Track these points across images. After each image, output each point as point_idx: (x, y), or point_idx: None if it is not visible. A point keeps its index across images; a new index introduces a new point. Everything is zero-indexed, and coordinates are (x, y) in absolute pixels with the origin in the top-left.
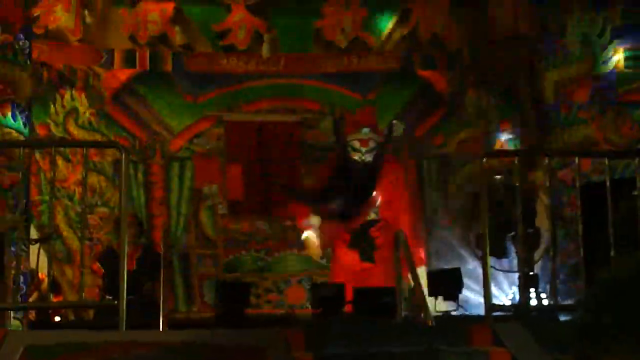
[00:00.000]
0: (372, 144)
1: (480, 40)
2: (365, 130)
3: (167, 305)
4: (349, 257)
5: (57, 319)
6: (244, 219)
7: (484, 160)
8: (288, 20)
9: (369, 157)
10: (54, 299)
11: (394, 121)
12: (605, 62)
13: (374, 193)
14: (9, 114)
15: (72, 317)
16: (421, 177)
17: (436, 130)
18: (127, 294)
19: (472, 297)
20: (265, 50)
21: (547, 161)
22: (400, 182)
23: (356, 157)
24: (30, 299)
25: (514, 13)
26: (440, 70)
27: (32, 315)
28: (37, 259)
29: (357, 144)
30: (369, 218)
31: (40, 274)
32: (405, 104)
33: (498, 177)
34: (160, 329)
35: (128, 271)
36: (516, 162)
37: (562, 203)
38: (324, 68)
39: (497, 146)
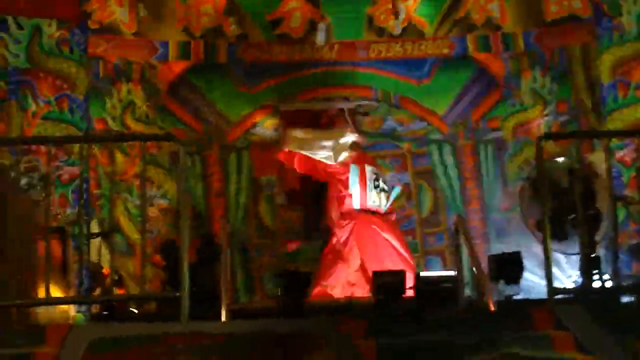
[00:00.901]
0: None
1: (535, 22)
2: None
3: (228, 296)
4: None
5: (135, 310)
6: (302, 208)
7: (542, 142)
8: (341, 7)
9: None
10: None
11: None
12: None
13: None
14: (67, 109)
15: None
16: (478, 160)
17: (492, 114)
18: (188, 286)
19: (533, 280)
20: (319, 38)
21: (605, 142)
22: None
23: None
24: (94, 293)
25: None
26: (495, 53)
27: (95, 308)
28: (99, 253)
29: None
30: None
31: (104, 269)
32: (460, 88)
33: (559, 159)
34: (222, 320)
35: (188, 263)
36: (574, 144)
37: (622, 184)
38: (378, 54)
39: (554, 129)
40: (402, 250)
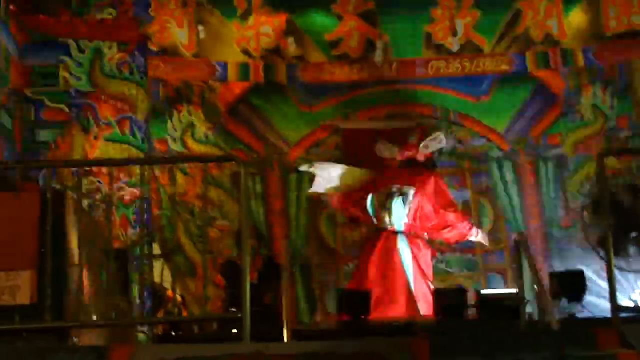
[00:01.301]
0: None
1: (595, 38)
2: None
3: (291, 316)
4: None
5: (197, 331)
6: (363, 226)
7: (604, 158)
8: (399, 26)
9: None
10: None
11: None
12: None
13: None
14: (128, 131)
15: (196, 331)
16: (539, 177)
17: (552, 130)
18: (250, 306)
19: (595, 299)
20: (377, 56)
21: None
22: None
23: None
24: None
25: (627, 9)
26: (554, 69)
27: (159, 329)
28: (162, 274)
29: None
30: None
31: (167, 290)
32: (520, 104)
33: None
34: (285, 340)
35: (250, 283)
36: (636, 160)
37: None
38: (436, 72)
39: (616, 144)
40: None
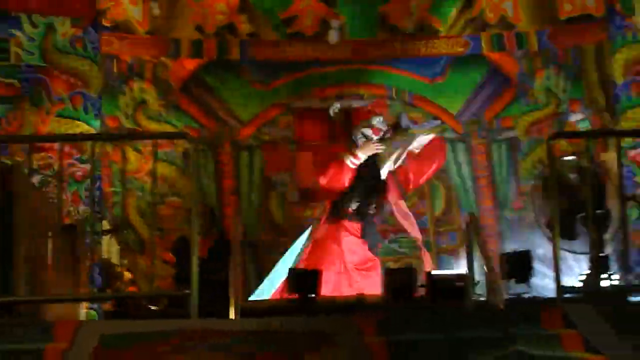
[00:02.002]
0: (382, 134)
1: (549, 21)
2: (378, 119)
3: (239, 294)
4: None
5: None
6: (314, 206)
7: (553, 141)
8: (354, 6)
9: (381, 147)
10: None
11: (403, 113)
12: None
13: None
14: (81, 107)
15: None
16: (491, 159)
17: (506, 113)
18: (199, 283)
19: (544, 280)
20: (332, 36)
21: (616, 141)
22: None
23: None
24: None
25: None
26: (508, 52)
27: (108, 306)
28: (112, 251)
29: (368, 132)
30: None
31: (117, 267)
32: (474, 87)
33: (569, 158)
34: (231, 317)
35: (200, 260)
36: (586, 143)
37: (635, 183)
38: (391, 53)
39: (568, 128)
40: None
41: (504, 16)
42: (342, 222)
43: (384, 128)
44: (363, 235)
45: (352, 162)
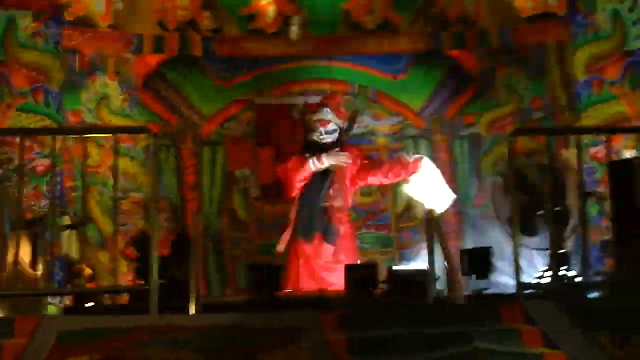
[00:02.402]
0: (331, 127)
1: (510, 19)
2: (327, 110)
3: (200, 290)
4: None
5: (92, 304)
6: (276, 202)
7: (513, 138)
8: (316, 2)
9: (328, 139)
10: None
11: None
12: (637, 37)
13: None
14: (42, 101)
15: (108, 303)
16: (453, 156)
17: (467, 109)
18: (160, 279)
19: (505, 276)
20: (293, 33)
21: (577, 138)
22: (352, 172)
23: (314, 138)
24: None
25: None
26: (470, 49)
27: (69, 301)
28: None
29: (316, 124)
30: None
31: (79, 263)
32: (435, 83)
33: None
34: (192, 313)
35: (162, 256)
36: (546, 140)
37: (596, 181)
38: (353, 49)
39: (530, 125)
40: None
41: (465, 13)
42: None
43: (334, 120)
44: (326, 240)
45: (315, 164)
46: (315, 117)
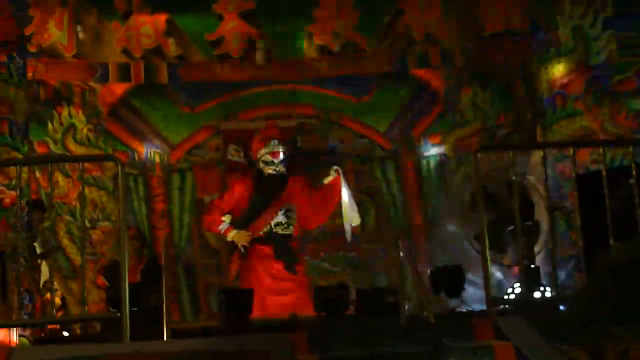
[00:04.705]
0: (282, 156)
1: (474, 37)
2: (274, 142)
3: (173, 316)
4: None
5: (65, 333)
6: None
7: (479, 155)
8: (280, 26)
9: (281, 167)
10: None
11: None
12: (599, 52)
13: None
14: (7, 132)
15: (79, 332)
16: (420, 176)
17: (433, 129)
18: (131, 307)
19: (476, 293)
20: (258, 57)
21: (543, 153)
22: (304, 192)
23: (270, 170)
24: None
25: (505, 9)
26: (434, 68)
27: (39, 332)
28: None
29: (269, 157)
30: (287, 232)
31: (48, 294)
32: (401, 104)
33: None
34: (164, 340)
35: (132, 284)
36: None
37: (563, 195)
38: (318, 72)
39: (494, 142)
40: None
41: (429, 33)
42: (255, 246)
43: (282, 149)
44: (276, 256)
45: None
46: (265, 151)
